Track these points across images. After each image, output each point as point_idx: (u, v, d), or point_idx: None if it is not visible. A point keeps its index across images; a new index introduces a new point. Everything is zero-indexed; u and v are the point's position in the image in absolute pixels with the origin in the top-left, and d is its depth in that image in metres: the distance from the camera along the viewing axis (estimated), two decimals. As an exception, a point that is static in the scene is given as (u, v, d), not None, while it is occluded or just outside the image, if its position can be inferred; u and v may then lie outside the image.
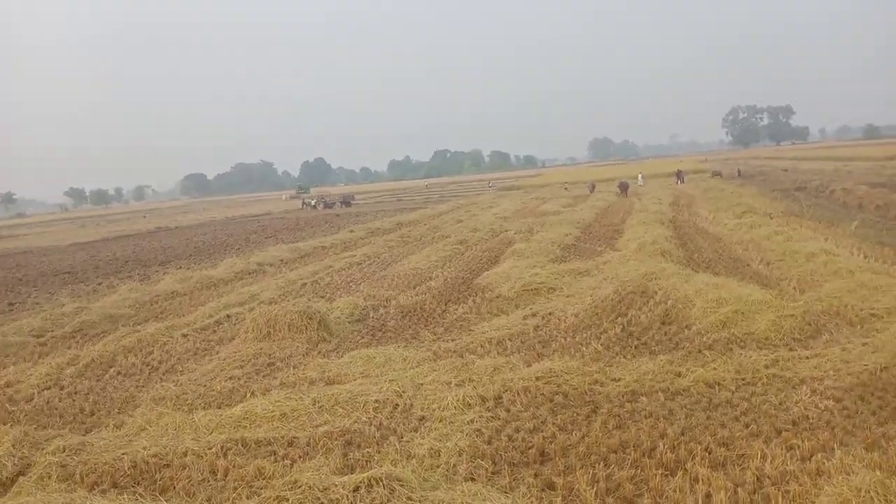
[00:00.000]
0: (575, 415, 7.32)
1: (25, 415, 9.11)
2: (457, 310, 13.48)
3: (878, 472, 5.22)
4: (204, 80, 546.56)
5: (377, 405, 7.95)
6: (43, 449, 7.27)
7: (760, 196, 33.73)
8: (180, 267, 25.52)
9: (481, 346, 10.43)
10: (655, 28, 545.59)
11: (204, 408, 8.62)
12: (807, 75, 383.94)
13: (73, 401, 9.59)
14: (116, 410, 9.01)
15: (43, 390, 10.17)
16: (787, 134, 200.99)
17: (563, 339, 10.49)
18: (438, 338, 11.42)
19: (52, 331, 14.60)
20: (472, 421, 7.28)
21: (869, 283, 11.20)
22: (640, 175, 63.05)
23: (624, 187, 46.02)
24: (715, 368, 8.27)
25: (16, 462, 7.06)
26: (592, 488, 5.64)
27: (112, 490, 6.36)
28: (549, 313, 12.11)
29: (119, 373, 10.91)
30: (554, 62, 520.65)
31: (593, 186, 54.09)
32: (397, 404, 7.99)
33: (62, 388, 10.23)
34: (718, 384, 7.87)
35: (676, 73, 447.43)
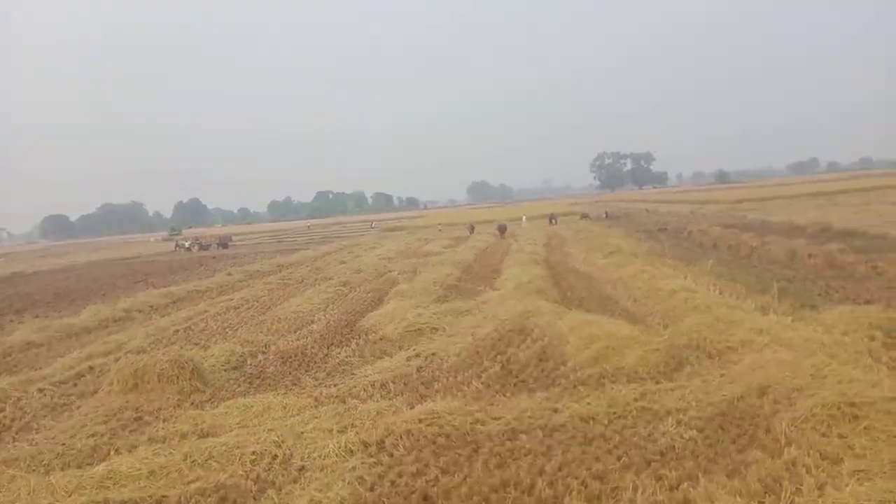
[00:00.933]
0: (457, 456, 7.37)
1: None
2: (339, 353, 13.28)
3: (738, 499, 5.62)
4: (66, 109, 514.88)
5: (255, 457, 7.65)
6: None
7: (626, 236, 35.79)
8: (38, 315, 23.56)
9: (364, 390, 10.31)
10: (530, 86, 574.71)
11: (62, 468, 7.95)
12: (664, 125, 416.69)
13: None
14: (-42, 477, 8.12)
15: None
16: (648, 179, 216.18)
17: (445, 379, 10.57)
18: (320, 383, 11.18)
19: None
20: (354, 468, 7.15)
21: (724, 318, 12.10)
22: (524, 217, 65.99)
23: (502, 229, 47.48)
24: (589, 403, 8.62)
25: None
26: (475, 530, 5.67)
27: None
28: (433, 353, 12.20)
29: (-38, 435, 9.87)
30: (433, 116, 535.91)
31: (472, 228, 55.37)
32: (276, 455, 7.72)
33: None
34: (592, 418, 8.18)
35: (550, 125, 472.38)
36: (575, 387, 9.62)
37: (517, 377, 10.42)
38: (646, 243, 31.10)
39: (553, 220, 57.41)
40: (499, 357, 11.41)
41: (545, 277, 20.78)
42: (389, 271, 27.24)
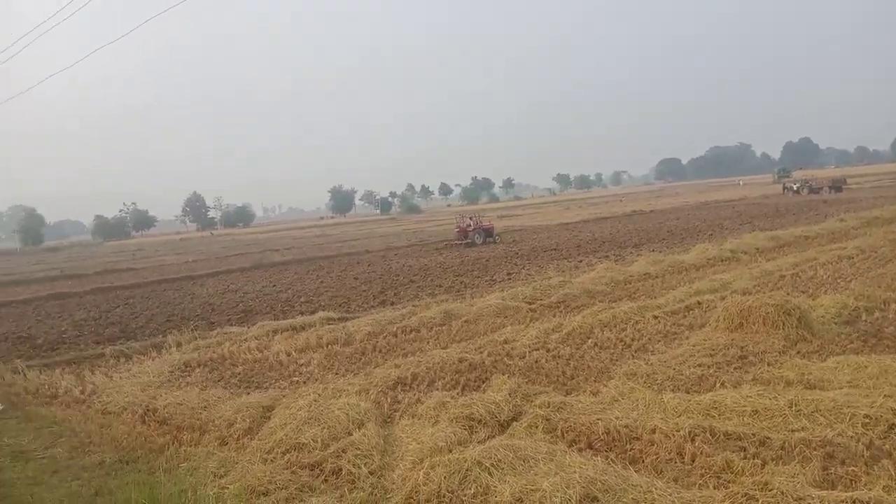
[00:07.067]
0: None
1: (519, 370, 10.63)
2: None
3: None
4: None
5: (867, 421, 6.98)
6: (532, 401, 8.41)
7: None
8: (653, 250, 26.28)
9: None
10: None
11: (672, 390, 8.78)
12: None
13: (557, 363, 10.82)
14: (593, 378, 9.84)
15: (532, 350, 11.73)
16: None
17: None
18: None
19: (541, 299, 16.67)
20: None
21: None
22: None
23: None
24: None
25: (511, 408, 8.32)
26: None
27: (587, 450, 7.00)
28: None
29: (595, 344, 11.88)
30: None
31: None
32: (894, 424, 6.89)
33: (548, 351, 11.63)
34: None
35: None
36: None
37: None
38: None
39: None
40: None
41: None
42: None
